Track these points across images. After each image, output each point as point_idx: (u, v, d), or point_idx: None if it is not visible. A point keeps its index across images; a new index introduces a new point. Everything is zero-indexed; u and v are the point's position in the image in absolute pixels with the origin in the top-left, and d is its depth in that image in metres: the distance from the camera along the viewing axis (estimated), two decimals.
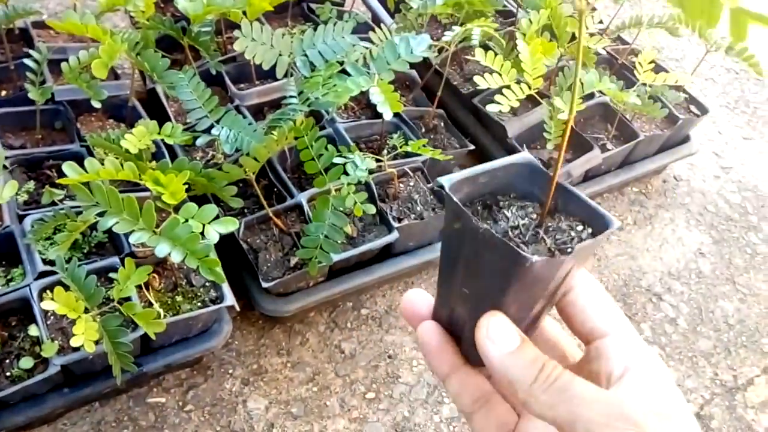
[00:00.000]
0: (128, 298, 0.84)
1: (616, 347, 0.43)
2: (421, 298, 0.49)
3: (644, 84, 1.24)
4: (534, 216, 0.48)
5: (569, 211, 0.47)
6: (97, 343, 0.78)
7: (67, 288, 0.81)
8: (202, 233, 0.81)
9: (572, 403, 0.41)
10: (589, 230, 0.45)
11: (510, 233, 0.46)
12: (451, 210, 0.44)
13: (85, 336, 0.76)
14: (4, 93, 1.16)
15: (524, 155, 0.49)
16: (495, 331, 0.44)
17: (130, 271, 0.82)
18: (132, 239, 0.80)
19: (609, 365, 0.42)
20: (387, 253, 1.10)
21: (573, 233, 0.47)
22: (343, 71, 1.02)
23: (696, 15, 0.34)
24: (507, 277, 0.42)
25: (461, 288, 0.46)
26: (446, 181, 0.44)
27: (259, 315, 1.10)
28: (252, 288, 1.03)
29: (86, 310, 0.78)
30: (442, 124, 1.26)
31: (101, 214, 0.81)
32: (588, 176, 1.29)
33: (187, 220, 0.82)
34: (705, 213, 1.45)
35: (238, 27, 1.03)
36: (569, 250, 0.44)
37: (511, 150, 1.27)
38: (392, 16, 1.45)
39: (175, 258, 0.79)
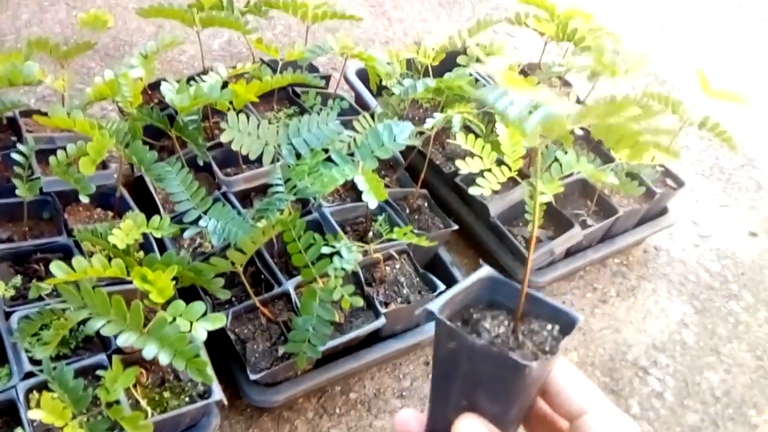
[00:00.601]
0: (116, 401, 0.83)
1: (595, 422, 0.47)
2: (413, 417, 0.51)
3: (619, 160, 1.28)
4: (507, 323, 0.53)
5: (536, 313, 0.53)
6: None
7: (52, 391, 0.81)
8: (189, 330, 0.82)
9: None
10: (558, 327, 0.52)
11: (494, 343, 0.51)
12: (444, 333, 0.50)
13: None
14: None
15: (487, 270, 0.55)
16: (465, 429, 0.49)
17: (117, 374, 0.81)
18: (119, 341, 0.80)
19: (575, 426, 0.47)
20: (374, 337, 1.11)
21: (545, 332, 0.53)
22: (329, 159, 1.04)
23: (613, 145, 0.43)
24: (508, 384, 0.48)
25: (459, 401, 0.50)
26: (435, 307, 0.49)
27: (247, 403, 1.10)
28: (240, 378, 1.03)
29: (73, 416, 0.78)
30: (426, 204, 1.29)
31: (88, 316, 0.81)
32: (569, 252, 1.31)
33: (174, 319, 0.83)
34: (686, 282, 1.47)
35: (225, 112, 1.06)
36: (552, 349, 0.49)
37: (494, 228, 1.30)
38: (375, 96, 1.49)
39: (163, 360, 0.79)
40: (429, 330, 1.16)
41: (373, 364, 1.13)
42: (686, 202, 1.67)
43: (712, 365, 1.33)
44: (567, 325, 0.51)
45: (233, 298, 1.07)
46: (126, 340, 0.80)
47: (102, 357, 0.93)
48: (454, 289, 0.52)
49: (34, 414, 0.74)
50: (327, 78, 1.48)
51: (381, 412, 1.14)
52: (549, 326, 0.54)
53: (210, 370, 0.81)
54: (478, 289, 0.55)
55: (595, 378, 1.26)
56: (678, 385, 1.28)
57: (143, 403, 0.92)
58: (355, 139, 1.12)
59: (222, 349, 1.05)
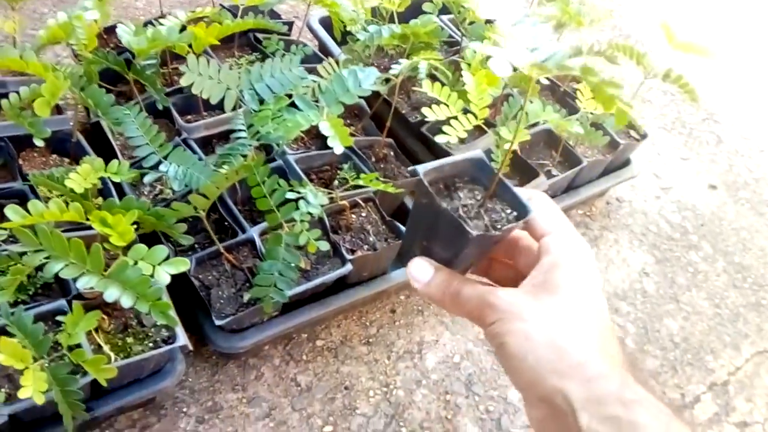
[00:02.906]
0: (77, 345, 0.82)
1: (554, 241, 0.62)
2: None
3: (584, 111, 1.28)
4: (479, 197, 0.67)
5: (504, 198, 0.67)
6: (46, 392, 0.76)
7: (12, 335, 0.79)
8: (152, 275, 0.80)
9: (460, 303, 0.63)
10: (515, 214, 0.65)
11: (460, 210, 0.66)
12: (422, 190, 0.64)
13: (34, 387, 0.73)
14: None
15: (478, 152, 0.69)
16: (414, 269, 0.66)
17: (78, 318, 0.80)
18: (80, 284, 0.78)
19: (542, 253, 0.62)
20: (341, 285, 1.11)
21: (504, 215, 0.67)
22: (292, 104, 1.02)
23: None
24: (455, 241, 0.63)
25: (422, 240, 0.67)
26: (420, 168, 0.63)
27: (212, 350, 1.09)
28: (205, 325, 1.02)
29: (34, 360, 0.76)
30: (392, 153, 1.28)
31: (47, 259, 0.79)
32: None
33: (136, 262, 0.81)
34: (647, 233, 1.50)
35: (184, 58, 1.03)
36: (499, 227, 0.63)
37: None
38: (339, 45, 1.46)
39: (125, 303, 0.78)
40: (395, 278, 1.16)
41: (340, 311, 1.13)
42: (648, 154, 1.69)
43: (672, 313, 1.36)
44: (522, 214, 0.64)
45: (196, 245, 1.05)
46: (86, 282, 0.78)
47: (62, 302, 0.91)
48: (444, 161, 0.66)
49: None
50: (290, 24, 1.44)
51: (348, 358, 1.14)
52: (509, 210, 0.68)
53: (173, 313, 0.80)
54: (468, 166, 0.69)
55: None
56: (638, 332, 1.31)
57: (106, 348, 0.90)
58: (319, 85, 1.10)
59: (186, 296, 1.03)
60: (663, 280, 1.42)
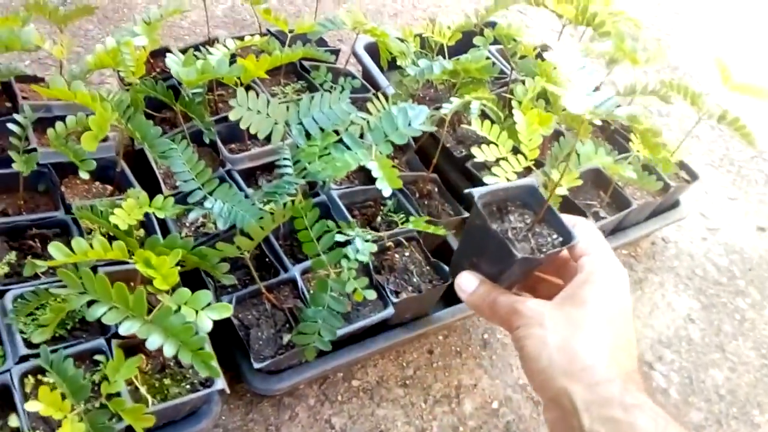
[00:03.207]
0: (117, 393, 0.80)
1: (591, 262, 0.72)
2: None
3: (637, 152, 1.24)
4: (528, 221, 0.76)
5: (551, 224, 0.76)
6: None
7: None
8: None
9: (495, 310, 0.74)
10: (560, 239, 0.74)
11: (509, 232, 0.74)
12: (476, 212, 0.73)
13: None
14: None
15: (531, 180, 0.81)
16: (462, 280, 0.78)
17: (119, 364, 0.78)
18: (122, 330, 0.76)
19: (578, 271, 0.73)
20: (381, 325, 1.08)
21: (549, 239, 0.76)
22: (339, 141, 1.00)
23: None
24: (501, 260, 0.71)
25: (471, 257, 0.76)
26: (476, 192, 0.74)
27: (247, 388, 1.07)
28: (242, 365, 1.00)
29: (72, 408, 0.74)
30: (436, 189, 1.25)
31: (89, 302, 0.77)
32: None
33: (179, 307, 0.79)
34: (693, 277, 1.45)
35: (229, 86, 1.01)
36: (544, 251, 0.72)
37: None
38: (384, 72, 1.44)
39: (168, 352, 0.76)
40: (436, 320, 1.13)
41: (378, 352, 1.11)
42: (695, 193, 1.64)
43: (717, 363, 1.31)
44: (566, 240, 0.74)
45: (236, 282, 1.03)
46: (129, 328, 0.76)
47: (100, 341, 0.90)
48: (499, 185, 0.78)
49: (32, 406, 0.71)
50: (336, 52, 1.42)
51: (384, 401, 1.12)
52: (555, 236, 0.76)
53: (216, 364, 0.77)
54: (520, 192, 0.80)
55: None
56: (683, 382, 1.26)
57: (143, 390, 0.88)
58: (368, 122, 1.07)
59: (223, 332, 1.01)
60: (709, 328, 1.37)
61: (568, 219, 0.76)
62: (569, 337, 0.67)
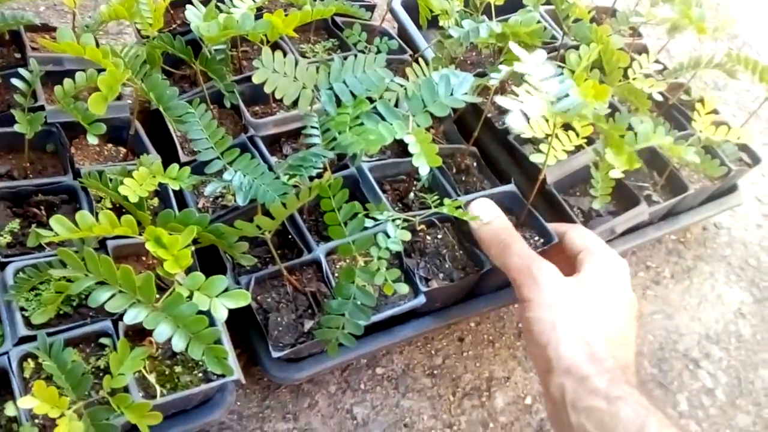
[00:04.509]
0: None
1: (589, 255, 0.82)
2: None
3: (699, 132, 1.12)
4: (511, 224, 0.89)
5: (532, 225, 0.94)
6: None
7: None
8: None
9: (508, 254, 0.79)
10: (542, 240, 0.92)
11: None
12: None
13: None
14: None
15: (511, 186, 1.01)
16: (479, 206, 0.83)
17: (123, 356, 0.71)
18: (127, 318, 0.69)
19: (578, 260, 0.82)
20: (409, 313, 0.99)
21: (532, 241, 0.93)
22: (373, 109, 0.90)
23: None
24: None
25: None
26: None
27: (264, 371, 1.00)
28: (259, 350, 0.93)
29: (71, 403, 0.67)
30: (475, 163, 1.14)
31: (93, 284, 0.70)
32: (628, 228, 1.17)
33: (191, 294, 0.72)
34: (746, 267, 1.35)
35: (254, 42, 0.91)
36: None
37: (548, 196, 1.16)
38: (421, 30, 1.32)
39: (178, 345, 0.69)
40: (469, 309, 1.05)
41: (405, 340, 1.03)
42: (752, 176, 1.51)
43: None
44: (548, 241, 0.88)
45: (256, 261, 0.95)
46: (135, 316, 0.69)
47: (107, 324, 0.82)
48: (482, 193, 0.94)
49: (27, 402, 0.64)
50: (372, 8, 1.31)
51: (409, 391, 1.04)
52: (537, 237, 0.93)
53: (231, 361, 0.70)
54: (502, 197, 0.95)
55: (642, 368, 1.15)
56: (730, 382, 1.17)
57: (151, 378, 0.81)
58: (405, 89, 0.97)
59: (240, 311, 0.94)
60: (760, 324, 1.27)
61: (560, 226, 0.91)
62: (575, 328, 0.71)
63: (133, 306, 0.69)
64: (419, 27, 1.31)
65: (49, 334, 0.77)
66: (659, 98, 1.18)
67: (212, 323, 0.71)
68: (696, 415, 1.12)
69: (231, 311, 0.70)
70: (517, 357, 1.11)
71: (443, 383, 1.06)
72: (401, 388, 1.05)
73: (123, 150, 1.03)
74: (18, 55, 1.09)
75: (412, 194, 1.07)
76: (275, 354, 0.86)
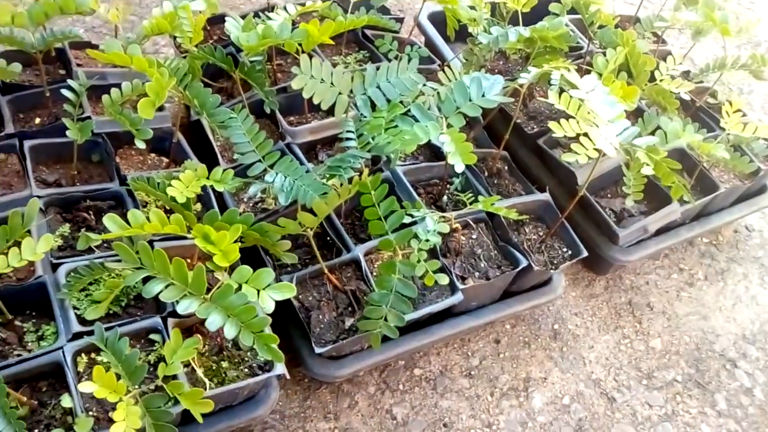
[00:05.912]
0: (174, 376, 0.75)
1: None
2: None
3: (727, 131, 1.13)
4: (541, 234, 0.97)
5: (562, 237, 0.99)
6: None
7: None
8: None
9: None
10: (570, 253, 0.99)
11: (524, 243, 0.97)
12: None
13: (127, 422, 0.67)
14: (38, 121, 1.07)
15: (545, 196, 1.04)
16: None
17: (176, 346, 0.73)
18: (180, 308, 0.71)
19: None
20: (446, 312, 1.01)
21: (560, 253, 0.99)
22: (407, 112, 0.93)
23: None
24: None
25: None
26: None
27: (305, 372, 1.01)
28: (301, 348, 0.94)
29: (127, 391, 0.69)
30: (506, 167, 1.16)
31: (145, 279, 0.73)
32: (660, 229, 1.18)
33: (240, 286, 0.74)
34: None
35: (289, 53, 0.95)
36: (557, 265, 0.94)
37: (579, 198, 1.17)
38: (448, 42, 1.36)
39: (229, 333, 0.70)
40: (504, 308, 1.06)
41: (442, 340, 1.04)
42: None
43: None
44: (576, 254, 0.96)
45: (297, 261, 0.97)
46: (188, 307, 0.71)
47: (156, 320, 0.85)
48: (515, 200, 0.99)
49: (86, 386, 0.66)
50: (401, 21, 1.35)
51: (447, 391, 1.05)
52: (566, 249, 0.98)
53: (278, 349, 0.72)
54: (536, 206, 1.01)
55: (679, 368, 1.15)
56: None
57: (200, 372, 0.83)
58: (438, 92, 1.00)
59: (280, 313, 0.96)
60: None
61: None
62: None
63: (185, 297, 0.72)
64: (446, 39, 1.34)
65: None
66: (686, 99, 1.19)
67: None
68: (735, 414, 1.11)
69: (272, 313, 0.72)
70: (554, 358, 1.12)
71: (481, 384, 1.07)
72: (439, 389, 1.05)
73: (165, 159, 1.07)
74: (63, 72, 1.13)
75: (445, 197, 1.09)
76: (318, 350, 0.88)
